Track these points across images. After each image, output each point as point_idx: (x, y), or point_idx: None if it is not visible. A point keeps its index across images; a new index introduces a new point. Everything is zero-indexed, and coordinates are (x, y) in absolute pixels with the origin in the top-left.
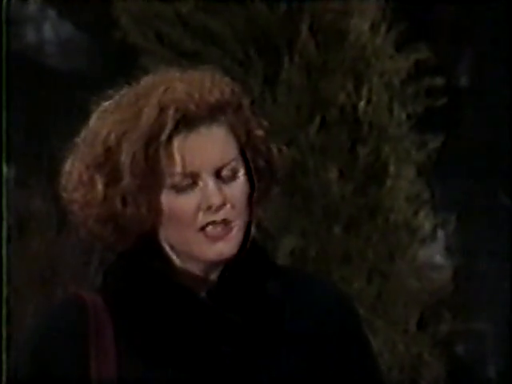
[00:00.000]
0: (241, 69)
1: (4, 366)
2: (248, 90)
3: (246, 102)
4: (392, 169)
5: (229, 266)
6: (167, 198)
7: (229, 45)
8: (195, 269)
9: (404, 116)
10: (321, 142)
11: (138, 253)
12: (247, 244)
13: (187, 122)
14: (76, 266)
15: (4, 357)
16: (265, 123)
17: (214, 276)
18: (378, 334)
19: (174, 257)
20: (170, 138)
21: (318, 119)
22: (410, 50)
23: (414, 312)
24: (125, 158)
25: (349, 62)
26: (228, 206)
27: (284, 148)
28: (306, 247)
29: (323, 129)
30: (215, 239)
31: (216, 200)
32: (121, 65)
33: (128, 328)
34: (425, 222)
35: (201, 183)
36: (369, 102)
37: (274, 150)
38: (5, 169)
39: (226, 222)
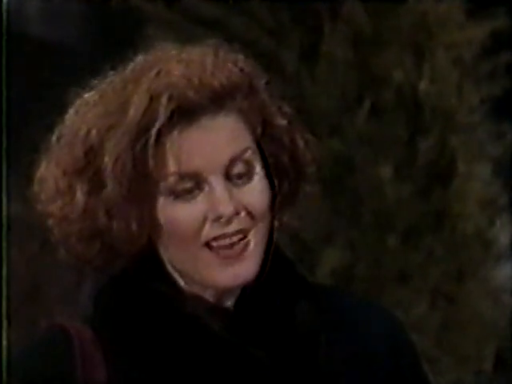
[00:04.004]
0: (272, 40)
1: None
2: (280, 66)
3: (259, 82)
4: (461, 166)
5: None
6: (164, 208)
7: (256, 10)
8: (206, 294)
9: (476, 100)
10: (371, 131)
11: (136, 274)
12: (269, 262)
13: (184, 112)
14: (64, 287)
15: None
16: (287, 109)
17: (229, 302)
18: (443, 374)
19: (179, 279)
20: (162, 133)
21: (367, 103)
22: (485, 18)
23: (489, 346)
24: (107, 160)
25: (407, 32)
26: (242, 214)
27: (310, 136)
28: (353, 263)
29: (374, 115)
30: (228, 259)
31: (226, 209)
32: (121, 35)
33: (124, 369)
34: (501, 233)
35: (206, 187)
36: (432, 81)
37: (300, 142)
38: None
39: (240, 232)
